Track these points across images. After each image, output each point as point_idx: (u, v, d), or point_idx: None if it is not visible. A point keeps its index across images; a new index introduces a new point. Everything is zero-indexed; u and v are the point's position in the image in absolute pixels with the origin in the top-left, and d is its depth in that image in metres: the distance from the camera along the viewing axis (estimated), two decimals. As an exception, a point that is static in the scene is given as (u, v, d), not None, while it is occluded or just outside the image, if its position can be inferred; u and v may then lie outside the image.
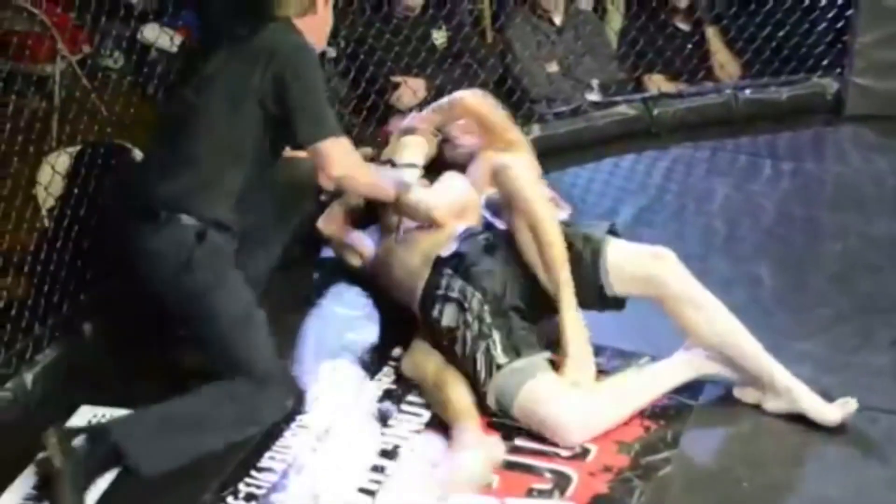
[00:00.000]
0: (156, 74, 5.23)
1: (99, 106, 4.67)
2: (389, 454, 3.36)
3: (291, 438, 3.42)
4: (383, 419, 3.51)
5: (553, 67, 5.84)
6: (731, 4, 6.11)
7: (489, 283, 3.54)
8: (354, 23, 5.41)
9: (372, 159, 4.25)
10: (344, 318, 4.02)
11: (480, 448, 3.27)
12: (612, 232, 3.63)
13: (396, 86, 5.48)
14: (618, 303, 3.57)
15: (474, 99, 4.28)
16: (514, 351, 3.42)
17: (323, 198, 4.25)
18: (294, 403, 3.53)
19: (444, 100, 4.34)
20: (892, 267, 4.22)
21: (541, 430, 3.34)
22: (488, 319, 3.47)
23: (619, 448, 3.33)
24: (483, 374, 3.42)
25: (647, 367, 3.58)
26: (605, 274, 3.50)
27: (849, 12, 5.56)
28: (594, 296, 3.53)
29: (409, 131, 4.28)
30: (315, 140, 3.51)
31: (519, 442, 3.37)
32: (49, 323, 3.77)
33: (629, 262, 3.49)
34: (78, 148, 4.17)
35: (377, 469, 3.29)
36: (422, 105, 5.44)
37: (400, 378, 3.69)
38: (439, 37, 5.66)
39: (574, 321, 3.46)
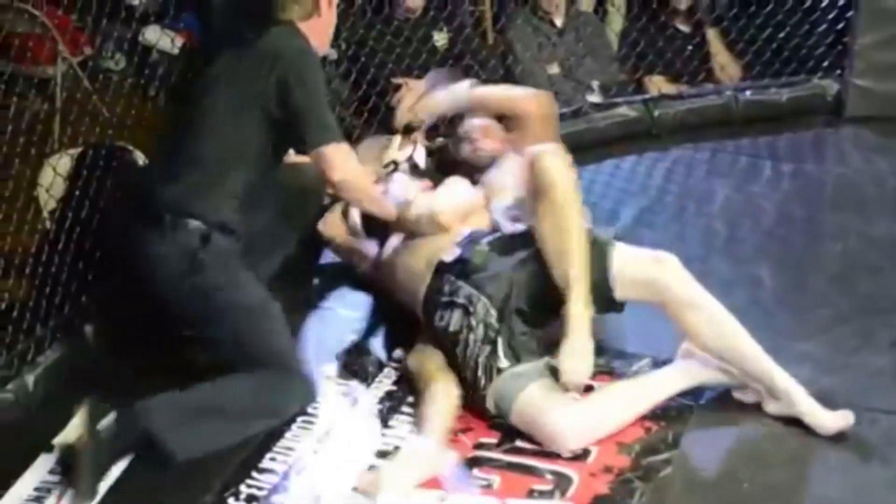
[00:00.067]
0: (157, 76, 5.25)
1: (100, 108, 4.67)
2: (390, 455, 3.36)
3: (292, 439, 3.42)
4: (384, 420, 3.52)
5: (554, 69, 5.84)
6: (732, 6, 6.11)
7: (494, 288, 3.54)
8: (355, 24, 5.42)
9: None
10: (345, 320, 4.02)
11: (419, 459, 3.26)
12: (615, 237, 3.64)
13: (397, 87, 5.48)
14: (618, 305, 3.58)
15: (540, 108, 4.19)
16: (515, 356, 3.43)
17: (326, 201, 4.26)
18: (314, 395, 3.56)
19: (505, 96, 4.24)
20: (892, 268, 4.22)
21: (537, 436, 3.35)
22: (494, 324, 3.48)
23: (619, 449, 3.34)
24: (483, 379, 3.43)
25: (643, 375, 3.58)
26: (612, 279, 3.50)
27: (849, 14, 5.56)
28: (600, 299, 3.54)
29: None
30: (318, 144, 3.52)
31: (520, 443, 3.37)
32: (50, 324, 3.77)
33: (631, 266, 3.49)
34: (79, 150, 4.17)
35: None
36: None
37: (400, 379, 3.70)
38: (440, 38, 5.67)
39: (580, 316, 3.44)
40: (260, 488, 3.24)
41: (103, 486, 3.25)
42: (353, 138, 3.79)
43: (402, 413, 3.54)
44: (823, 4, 5.70)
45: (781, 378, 3.38)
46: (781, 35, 5.71)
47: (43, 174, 4.14)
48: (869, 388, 3.53)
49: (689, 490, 3.21)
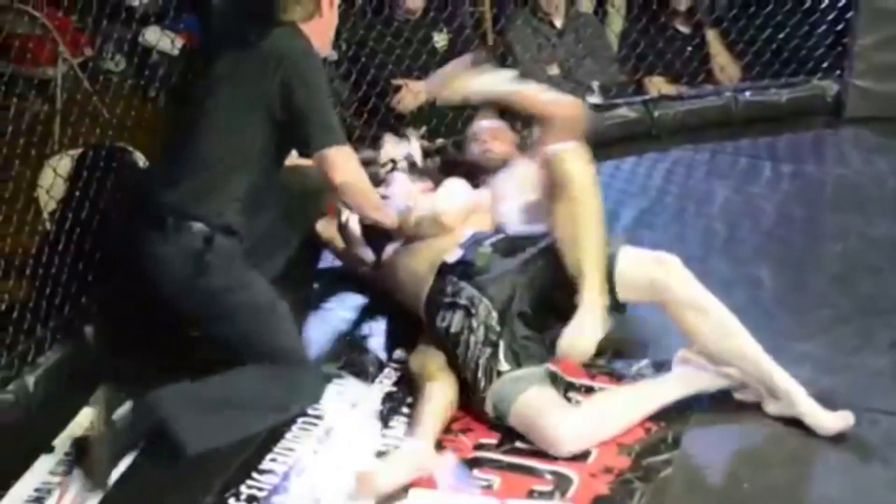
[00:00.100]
0: (157, 77, 5.25)
1: (100, 109, 4.67)
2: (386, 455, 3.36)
3: (293, 440, 3.43)
4: (384, 421, 3.52)
5: (554, 70, 5.84)
6: (732, 7, 6.12)
7: (496, 290, 3.55)
8: (355, 25, 5.42)
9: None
10: (345, 321, 4.02)
11: (409, 460, 3.26)
12: None
13: (398, 88, 5.49)
14: (620, 307, 3.58)
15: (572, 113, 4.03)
16: (516, 360, 3.43)
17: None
18: (322, 391, 3.59)
19: (542, 98, 4.01)
20: (892, 268, 4.22)
21: (535, 439, 3.35)
22: (496, 326, 3.48)
23: (619, 449, 3.34)
24: (483, 381, 3.43)
25: (642, 382, 3.58)
26: (615, 280, 3.50)
27: (849, 14, 5.56)
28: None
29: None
30: (322, 147, 3.51)
31: (520, 444, 3.37)
32: (51, 325, 3.78)
33: (633, 267, 3.49)
34: (79, 151, 4.18)
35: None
36: (422, 108, 5.47)
37: (400, 380, 3.70)
38: (440, 39, 5.67)
39: (593, 301, 3.45)
40: (260, 489, 3.24)
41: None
42: (352, 139, 3.78)
43: (402, 414, 3.55)
44: (823, 5, 5.71)
45: (781, 378, 3.38)
46: (781, 36, 5.71)
47: (43, 175, 4.14)
48: (869, 389, 3.53)
49: (689, 490, 3.21)
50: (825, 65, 5.68)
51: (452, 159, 4.97)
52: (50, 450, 3.40)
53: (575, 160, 3.59)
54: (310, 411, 3.53)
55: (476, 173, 4.26)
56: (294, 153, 3.72)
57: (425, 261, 3.73)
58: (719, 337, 3.41)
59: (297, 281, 4.12)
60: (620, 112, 5.49)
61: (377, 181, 4.14)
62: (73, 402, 3.57)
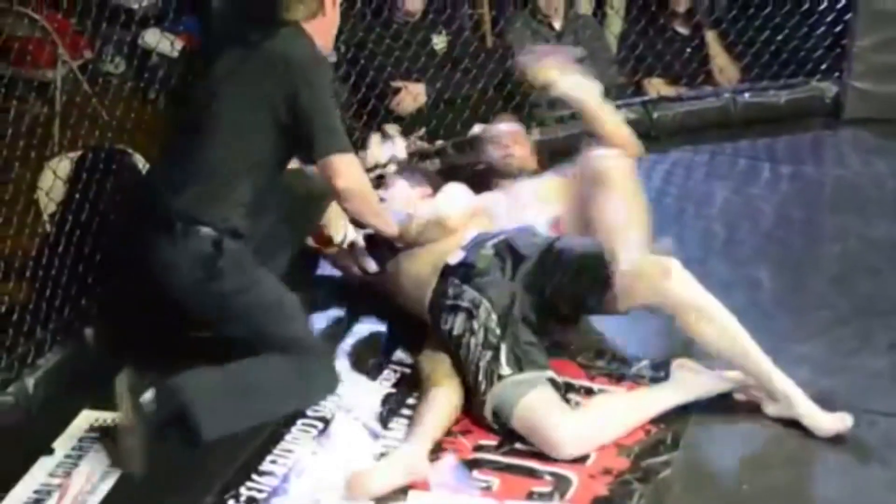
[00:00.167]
0: (157, 79, 5.25)
1: (100, 111, 4.68)
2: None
3: (292, 442, 3.43)
4: (383, 423, 3.52)
5: (553, 71, 5.83)
6: (731, 8, 6.12)
7: (496, 292, 3.55)
8: (355, 27, 5.41)
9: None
10: (344, 322, 4.02)
11: (403, 463, 3.26)
12: None
13: (397, 91, 5.49)
14: (623, 311, 3.59)
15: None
16: (518, 364, 3.43)
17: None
18: (337, 383, 3.62)
19: (617, 127, 4.00)
20: (891, 269, 4.22)
21: (537, 442, 3.35)
22: (496, 329, 3.48)
23: (618, 451, 3.34)
24: (484, 384, 3.43)
25: (642, 389, 3.58)
26: (617, 284, 3.49)
27: (847, 16, 5.56)
28: (603, 304, 3.55)
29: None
30: (326, 153, 3.51)
31: (519, 445, 3.37)
32: (50, 327, 3.78)
33: (633, 275, 3.48)
34: (79, 153, 4.18)
35: (377, 472, 3.29)
36: (421, 111, 5.47)
37: (400, 382, 3.71)
38: (439, 41, 5.67)
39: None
40: (260, 490, 3.24)
41: (103, 489, 3.26)
42: (352, 141, 3.78)
43: (402, 416, 3.55)
44: (822, 7, 5.71)
45: (781, 380, 3.38)
46: (780, 37, 5.71)
47: (43, 177, 4.14)
48: (868, 390, 3.54)
49: (689, 491, 3.21)
50: (824, 66, 5.68)
51: (453, 163, 4.98)
52: (49, 452, 3.40)
53: (619, 160, 3.66)
54: (309, 413, 3.53)
55: (485, 177, 4.28)
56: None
57: (427, 263, 3.73)
58: (719, 339, 3.41)
59: (297, 281, 4.12)
60: (619, 113, 5.48)
61: (376, 185, 4.15)
62: (73, 404, 3.58)
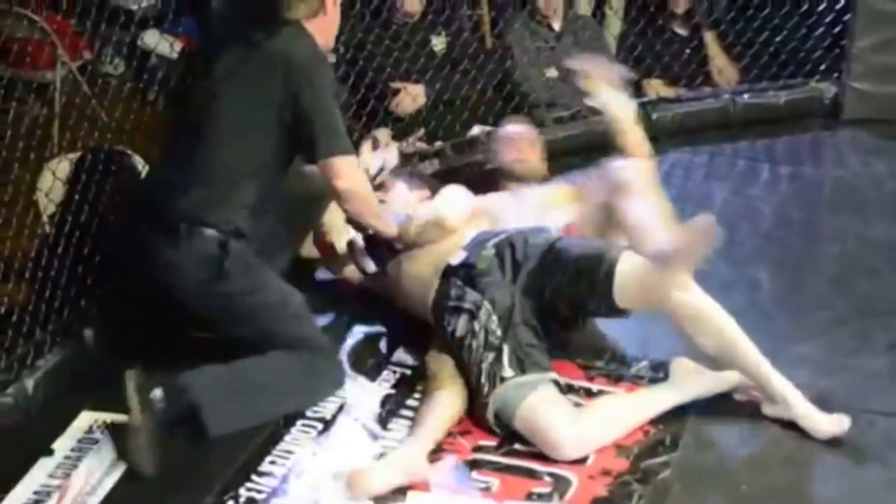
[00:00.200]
0: (156, 80, 5.25)
1: (99, 112, 4.68)
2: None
3: (292, 443, 3.43)
4: (383, 424, 3.52)
5: (552, 73, 5.84)
6: (729, 9, 6.12)
7: (498, 293, 3.55)
8: (354, 28, 5.41)
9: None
10: (343, 323, 4.02)
11: (401, 463, 3.26)
12: None
13: (396, 92, 5.49)
14: (623, 312, 3.59)
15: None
16: (520, 367, 3.43)
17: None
18: (343, 380, 3.64)
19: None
20: (890, 270, 4.22)
21: (538, 443, 3.35)
22: (497, 331, 3.49)
23: (618, 452, 3.34)
24: (487, 386, 3.43)
25: (642, 390, 3.58)
26: (616, 288, 3.50)
27: (846, 17, 5.57)
28: (605, 307, 3.56)
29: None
30: (327, 154, 3.52)
31: (518, 446, 3.38)
32: (50, 328, 3.78)
33: (633, 275, 3.49)
34: (78, 154, 4.18)
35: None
36: (421, 112, 5.47)
37: (399, 382, 3.71)
38: (438, 42, 5.67)
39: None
40: (259, 491, 3.25)
41: (103, 490, 3.26)
42: (352, 141, 3.78)
43: (401, 416, 3.55)
44: (821, 7, 5.72)
45: (779, 383, 3.38)
46: (779, 38, 5.72)
47: (42, 178, 4.15)
48: (866, 390, 3.55)
49: (688, 492, 3.22)
50: (823, 67, 5.68)
51: (452, 166, 4.99)
52: (49, 453, 3.40)
53: (643, 168, 3.76)
54: (309, 413, 3.53)
55: (492, 178, 4.28)
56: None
57: (429, 264, 3.73)
58: (719, 344, 3.41)
59: (296, 282, 4.12)
60: (619, 114, 5.48)
61: (374, 189, 4.14)
62: (73, 406, 3.58)
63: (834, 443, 3.30)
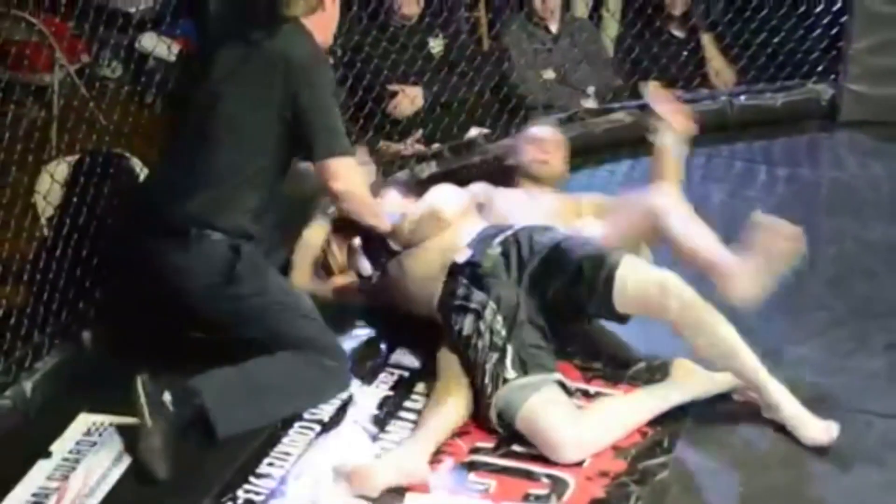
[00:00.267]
0: (154, 83, 5.25)
1: (97, 115, 4.69)
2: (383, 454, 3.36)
3: (290, 444, 3.43)
4: (381, 425, 3.53)
5: (549, 75, 5.86)
6: (727, 11, 6.12)
7: (503, 293, 3.55)
8: (351, 31, 5.42)
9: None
10: (341, 325, 4.02)
11: (399, 465, 3.26)
12: None
13: (393, 94, 5.50)
14: (623, 316, 3.60)
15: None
16: (523, 368, 3.43)
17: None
18: (350, 380, 3.65)
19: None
20: (887, 271, 4.22)
21: (539, 445, 3.35)
22: (502, 331, 3.48)
23: (615, 453, 3.34)
24: (490, 387, 3.43)
25: (641, 389, 3.58)
26: (616, 293, 3.50)
27: (843, 19, 5.57)
28: (604, 310, 3.57)
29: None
30: (326, 156, 3.52)
31: (516, 447, 3.38)
32: (48, 331, 3.78)
33: (633, 285, 3.48)
34: (76, 157, 4.19)
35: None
36: (418, 114, 5.48)
37: (397, 384, 3.71)
38: (436, 45, 5.68)
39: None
40: (257, 493, 3.25)
41: (101, 492, 3.26)
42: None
43: (399, 418, 3.55)
44: (818, 9, 5.72)
45: (774, 390, 3.37)
46: (776, 40, 5.72)
47: (40, 181, 4.16)
48: (864, 391, 3.55)
49: (685, 493, 3.22)
50: (820, 69, 5.68)
51: (450, 168, 4.98)
52: (47, 455, 3.41)
53: (676, 194, 3.80)
54: (307, 415, 3.54)
55: (510, 174, 4.27)
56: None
57: (435, 262, 3.71)
58: (717, 354, 3.40)
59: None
60: (616, 116, 5.48)
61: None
62: (71, 408, 3.58)
63: (832, 443, 3.30)
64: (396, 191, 4.22)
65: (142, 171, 4.25)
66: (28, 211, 4.02)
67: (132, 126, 4.43)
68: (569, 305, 3.58)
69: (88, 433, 3.49)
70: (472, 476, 3.29)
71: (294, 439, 3.45)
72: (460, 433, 3.44)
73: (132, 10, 6.10)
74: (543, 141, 4.42)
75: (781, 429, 3.37)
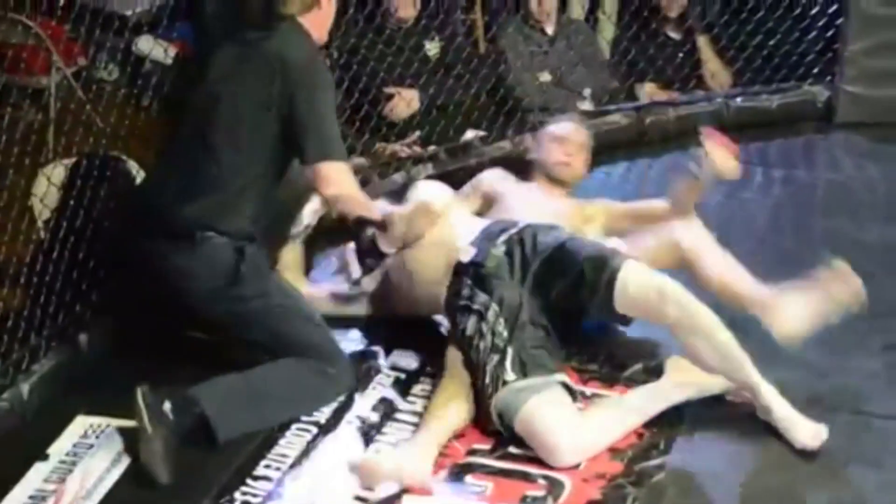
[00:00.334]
0: (150, 86, 5.24)
1: (94, 118, 4.68)
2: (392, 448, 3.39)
3: (287, 446, 3.43)
4: (378, 427, 3.53)
5: (545, 77, 5.85)
6: (723, 13, 6.13)
7: (506, 294, 3.55)
8: (348, 33, 5.42)
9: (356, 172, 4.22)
10: (338, 326, 4.02)
11: (399, 464, 3.27)
12: None
13: (390, 97, 5.50)
14: (624, 318, 3.60)
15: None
16: (522, 370, 3.44)
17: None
18: (353, 382, 3.65)
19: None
20: (884, 273, 4.22)
21: (536, 448, 3.35)
22: (503, 333, 3.49)
23: (612, 455, 3.35)
24: (490, 388, 3.43)
25: (637, 390, 3.58)
26: (617, 296, 3.50)
27: (839, 20, 5.58)
28: (606, 312, 3.57)
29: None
30: (320, 159, 3.51)
31: (513, 449, 3.38)
32: (45, 333, 3.78)
33: (633, 289, 3.48)
34: (73, 160, 4.18)
35: (372, 476, 3.30)
36: (415, 116, 5.48)
37: (394, 387, 3.71)
38: (432, 47, 5.67)
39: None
40: (255, 495, 3.25)
41: (98, 494, 3.26)
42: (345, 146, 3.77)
43: (396, 420, 3.56)
44: (814, 11, 5.73)
45: (766, 393, 3.38)
46: (772, 42, 5.73)
47: (37, 184, 4.15)
48: (862, 392, 3.56)
49: (682, 495, 3.23)
50: (816, 70, 5.69)
51: (446, 170, 4.97)
52: (44, 457, 3.40)
53: (698, 226, 3.86)
54: (303, 417, 3.54)
55: (528, 168, 4.30)
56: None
57: (441, 263, 3.70)
58: (715, 360, 3.41)
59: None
60: (612, 118, 5.48)
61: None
62: (68, 410, 3.58)
63: (830, 443, 3.30)
64: (385, 200, 4.21)
65: (138, 174, 4.25)
66: (25, 214, 4.01)
67: (129, 129, 4.43)
68: (571, 306, 3.58)
69: (85, 435, 3.49)
70: (468, 478, 3.29)
71: (291, 441, 3.45)
72: (457, 435, 3.44)
73: (128, 12, 6.08)
74: (567, 141, 4.35)
75: (778, 430, 3.38)
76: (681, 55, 5.97)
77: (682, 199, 4.08)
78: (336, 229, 3.91)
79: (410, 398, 3.64)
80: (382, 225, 3.70)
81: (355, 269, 3.88)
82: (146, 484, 3.26)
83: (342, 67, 5.39)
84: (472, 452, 3.39)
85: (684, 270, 3.70)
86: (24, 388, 3.62)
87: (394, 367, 3.79)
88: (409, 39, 5.55)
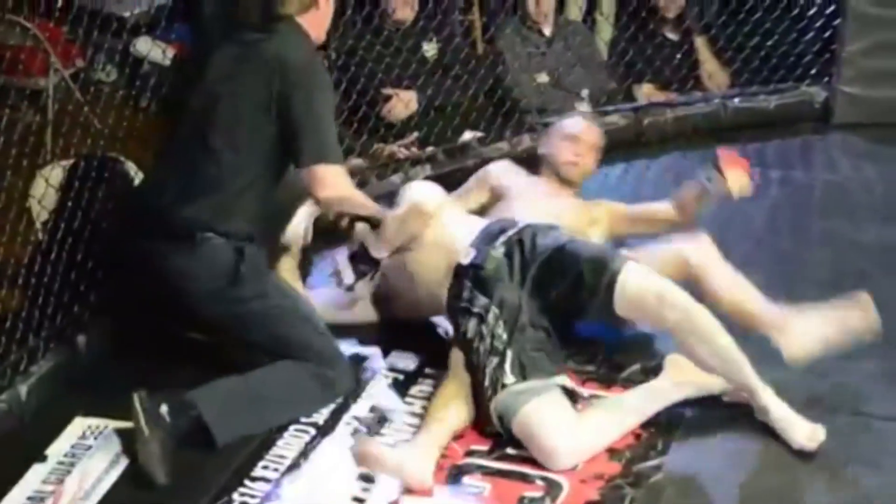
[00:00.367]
0: (148, 87, 5.25)
1: (92, 119, 4.68)
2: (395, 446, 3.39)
3: (284, 447, 3.43)
4: (375, 429, 3.53)
5: (543, 78, 5.85)
6: (720, 14, 6.14)
7: (506, 296, 3.55)
8: (345, 34, 5.42)
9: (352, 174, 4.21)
10: (336, 328, 4.02)
11: (404, 469, 3.26)
12: None
13: (387, 98, 5.50)
14: (624, 321, 3.60)
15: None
16: (522, 373, 3.43)
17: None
18: (353, 383, 3.65)
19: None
20: (881, 273, 4.23)
21: (533, 451, 3.35)
22: (503, 335, 3.48)
23: (610, 456, 3.35)
24: (490, 391, 3.43)
25: (634, 390, 3.58)
26: (617, 298, 3.50)
27: (836, 21, 5.58)
28: (605, 314, 3.57)
29: None
30: (315, 161, 3.50)
31: (511, 450, 3.39)
32: (43, 334, 3.78)
33: (633, 291, 3.48)
34: (71, 161, 4.18)
35: (369, 478, 3.29)
36: (413, 118, 5.48)
37: (392, 388, 3.71)
38: (430, 48, 5.68)
39: None
40: (253, 496, 3.25)
41: (96, 495, 3.27)
42: (342, 148, 3.76)
43: (395, 421, 3.56)
44: (811, 12, 5.73)
45: (763, 395, 3.39)
46: (769, 43, 5.73)
47: (35, 185, 4.15)
48: (860, 393, 3.56)
49: (680, 496, 3.23)
50: (813, 71, 5.69)
51: (444, 171, 4.97)
52: (43, 459, 3.40)
53: (706, 242, 3.81)
54: (302, 419, 3.54)
55: (535, 163, 4.28)
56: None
57: (441, 265, 3.70)
58: (715, 364, 3.42)
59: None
60: (609, 119, 5.48)
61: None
62: (66, 411, 3.58)
63: (828, 444, 3.30)
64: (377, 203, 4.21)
65: (137, 175, 4.24)
66: (23, 215, 4.02)
67: (127, 130, 4.43)
68: (571, 308, 3.58)
69: (84, 437, 3.49)
70: (466, 479, 3.29)
71: (289, 442, 3.45)
72: (456, 437, 3.44)
73: (127, 14, 6.09)
74: (579, 141, 4.33)
75: (777, 431, 3.38)
76: (678, 56, 5.96)
77: (687, 207, 4.08)
78: (331, 231, 3.90)
79: (409, 399, 3.64)
80: (377, 224, 3.70)
81: (348, 275, 3.86)
82: (144, 485, 3.27)
83: (340, 69, 5.39)
84: (470, 454, 3.39)
85: (692, 285, 3.68)
86: (23, 389, 3.62)
87: (392, 369, 3.79)
88: (407, 40, 5.55)
